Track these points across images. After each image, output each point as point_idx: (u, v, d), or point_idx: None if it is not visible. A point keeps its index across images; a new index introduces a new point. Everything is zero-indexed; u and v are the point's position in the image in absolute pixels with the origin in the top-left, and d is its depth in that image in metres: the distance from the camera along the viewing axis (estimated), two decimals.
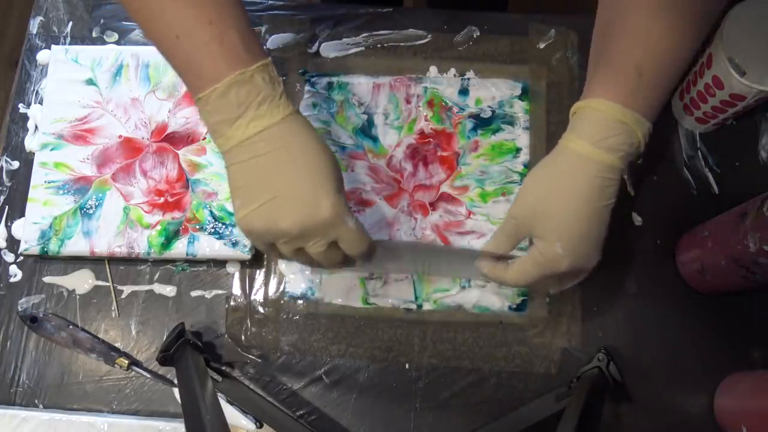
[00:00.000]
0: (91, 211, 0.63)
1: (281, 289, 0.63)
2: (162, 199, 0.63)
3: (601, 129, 0.49)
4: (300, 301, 0.62)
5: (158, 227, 0.62)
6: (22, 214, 0.64)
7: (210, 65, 0.45)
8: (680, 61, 0.50)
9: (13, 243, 0.65)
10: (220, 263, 0.64)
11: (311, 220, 0.47)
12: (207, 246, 0.62)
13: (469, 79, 0.67)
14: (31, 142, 0.67)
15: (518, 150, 0.65)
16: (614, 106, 0.48)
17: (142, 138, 0.65)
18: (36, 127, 0.67)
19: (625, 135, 0.48)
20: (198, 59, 0.46)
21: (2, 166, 0.67)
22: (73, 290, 0.63)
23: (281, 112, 0.47)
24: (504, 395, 0.59)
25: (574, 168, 0.50)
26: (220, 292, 0.63)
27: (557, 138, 0.55)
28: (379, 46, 0.69)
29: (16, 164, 0.67)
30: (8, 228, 0.65)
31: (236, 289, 0.63)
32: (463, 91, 0.67)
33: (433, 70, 0.68)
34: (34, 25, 0.71)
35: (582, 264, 0.51)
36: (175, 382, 0.60)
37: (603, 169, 0.49)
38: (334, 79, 0.68)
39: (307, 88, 0.68)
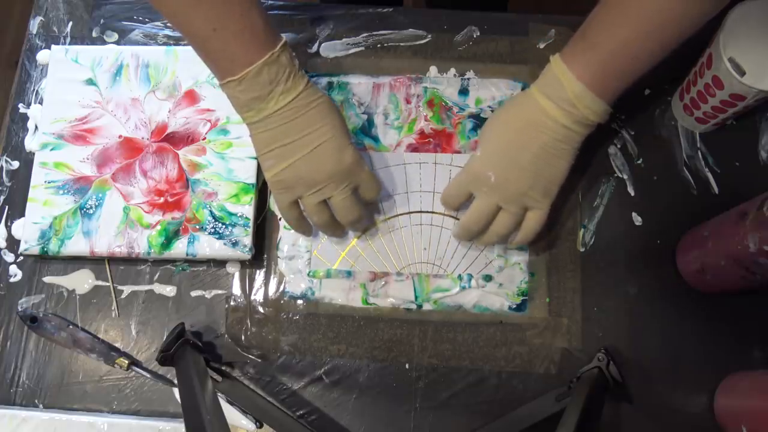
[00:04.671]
0: (91, 211, 0.63)
1: (281, 289, 0.63)
2: (162, 199, 0.63)
3: (544, 78, 0.55)
4: (300, 301, 0.62)
5: (158, 227, 0.62)
6: (22, 214, 0.64)
7: (244, 52, 0.52)
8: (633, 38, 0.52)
9: (13, 243, 0.65)
10: (220, 263, 0.64)
11: (340, 166, 0.55)
12: (207, 246, 0.62)
13: (469, 79, 0.67)
14: (31, 142, 0.67)
15: None
16: (555, 60, 0.54)
17: (142, 138, 0.65)
18: (36, 127, 0.67)
19: (559, 89, 0.53)
20: (232, 47, 0.52)
21: (2, 166, 0.67)
22: (73, 290, 0.63)
23: (302, 83, 0.54)
24: (504, 395, 0.59)
25: (517, 101, 0.57)
26: (220, 292, 0.63)
27: None
28: (379, 46, 0.69)
29: (16, 164, 0.67)
30: (8, 228, 0.65)
31: (236, 289, 0.63)
32: (463, 91, 0.67)
33: (433, 70, 0.68)
34: (34, 25, 0.71)
35: (509, 185, 0.55)
36: (175, 382, 0.60)
37: (539, 110, 0.54)
38: (334, 79, 0.68)
39: None
